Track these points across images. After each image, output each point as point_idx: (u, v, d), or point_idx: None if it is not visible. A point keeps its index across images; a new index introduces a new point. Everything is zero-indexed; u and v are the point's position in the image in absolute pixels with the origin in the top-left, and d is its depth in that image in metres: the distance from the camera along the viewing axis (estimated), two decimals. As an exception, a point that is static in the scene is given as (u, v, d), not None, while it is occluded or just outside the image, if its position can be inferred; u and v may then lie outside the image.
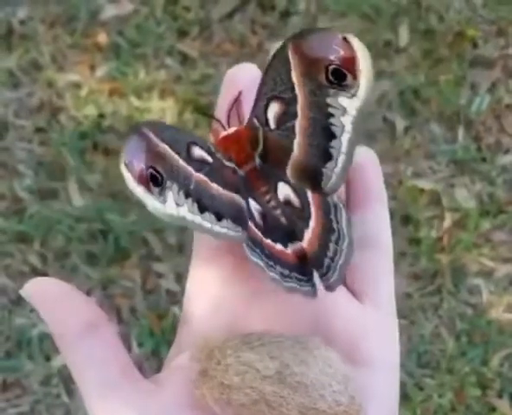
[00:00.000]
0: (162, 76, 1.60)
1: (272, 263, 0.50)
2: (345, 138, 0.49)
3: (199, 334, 0.51)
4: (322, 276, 0.50)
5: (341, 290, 0.53)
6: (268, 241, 0.51)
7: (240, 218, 0.50)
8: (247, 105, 0.53)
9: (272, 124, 0.51)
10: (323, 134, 0.50)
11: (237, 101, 0.53)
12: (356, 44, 0.48)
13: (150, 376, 0.52)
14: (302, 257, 0.51)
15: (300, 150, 0.51)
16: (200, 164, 0.50)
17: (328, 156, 0.50)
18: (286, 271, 0.50)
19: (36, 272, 1.45)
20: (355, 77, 0.48)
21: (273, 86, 0.50)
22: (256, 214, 0.52)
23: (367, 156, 0.53)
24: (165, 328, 1.42)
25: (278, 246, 0.51)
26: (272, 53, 0.50)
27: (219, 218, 0.49)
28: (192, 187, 0.49)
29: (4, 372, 1.40)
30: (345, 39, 0.48)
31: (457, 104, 1.60)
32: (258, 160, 0.53)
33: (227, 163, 0.52)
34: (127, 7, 1.65)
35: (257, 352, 0.47)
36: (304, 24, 1.64)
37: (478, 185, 1.56)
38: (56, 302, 0.50)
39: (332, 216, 0.50)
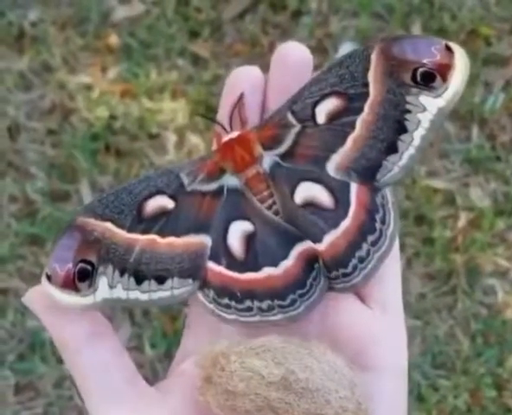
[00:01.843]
0: (173, 77, 1.60)
1: (246, 303, 0.50)
2: (418, 134, 0.52)
3: (204, 340, 0.50)
4: (343, 276, 0.50)
5: (349, 295, 0.52)
6: (247, 276, 0.51)
7: (192, 267, 0.51)
8: (249, 108, 0.53)
9: (322, 119, 0.53)
10: (394, 128, 0.52)
11: (239, 103, 0.53)
12: (458, 52, 0.51)
13: (159, 380, 0.52)
14: (309, 260, 0.51)
15: (357, 144, 0.52)
16: (152, 222, 0.52)
17: (393, 150, 0.52)
18: (266, 303, 0.50)
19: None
20: (445, 80, 0.51)
21: (338, 81, 0.53)
22: (237, 244, 0.52)
23: None
24: (178, 329, 1.42)
25: (263, 273, 0.51)
26: (341, 52, 0.53)
27: (161, 281, 0.51)
28: (132, 259, 0.50)
29: (17, 374, 1.40)
30: (447, 46, 0.51)
31: (471, 102, 1.59)
32: (271, 160, 0.53)
33: (209, 187, 0.53)
34: (138, 8, 1.65)
35: (261, 358, 0.47)
36: (315, 24, 1.63)
37: (493, 184, 1.55)
38: (58, 309, 0.49)
39: (378, 217, 0.52)
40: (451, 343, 1.45)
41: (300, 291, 0.50)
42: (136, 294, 0.50)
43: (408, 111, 0.52)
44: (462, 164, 1.56)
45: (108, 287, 0.50)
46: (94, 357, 0.49)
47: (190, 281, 0.51)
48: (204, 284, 0.51)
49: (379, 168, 0.52)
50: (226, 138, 0.53)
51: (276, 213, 0.52)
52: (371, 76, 0.52)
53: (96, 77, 1.60)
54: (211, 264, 0.52)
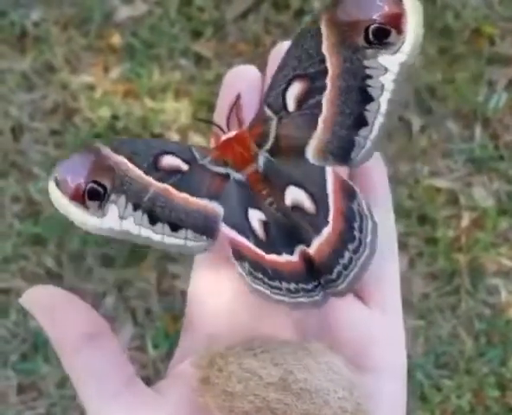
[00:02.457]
0: (176, 77, 1.60)
1: (276, 282, 0.49)
2: (384, 99, 0.49)
3: (202, 340, 0.50)
4: (329, 282, 0.49)
5: (348, 295, 0.52)
6: (271, 257, 0.50)
7: (206, 227, 0.50)
8: (247, 108, 0.53)
9: (292, 106, 0.51)
10: (358, 99, 0.49)
11: (236, 103, 0.53)
12: None
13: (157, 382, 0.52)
14: (308, 261, 0.50)
15: (327, 124, 0.50)
16: (167, 174, 0.50)
17: (362, 123, 0.50)
18: (293, 285, 0.49)
19: (51, 275, 1.45)
20: (399, 32, 0.48)
21: (297, 64, 0.50)
22: (258, 226, 0.51)
23: (372, 160, 0.52)
24: (180, 329, 1.41)
25: (284, 258, 0.50)
26: (297, 32, 0.50)
27: (175, 228, 0.49)
28: (146, 198, 0.49)
29: (20, 374, 1.40)
30: None
31: (474, 101, 1.59)
32: (264, 157, 0.52)
33: (218, 169, 0.52)
34: (141, 8, 1.65)
35: (260, 359, 0.47)
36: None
37: (496, 184, 1.54)
38: (55, 311, 0.49)
39: (356, 225, 0.50)
40: (454, 343, 1.44)
41: (315, 282, 0.49)
42: (148, 233, 0.49)
43: (369, 77, 0.49)
44: (465, 164, 1.56)
45: (118, 217, 0.49)
46: (92, 358, 0.49)
47: (204, 238, 0.50)
48: (240, 257, 0.50)
49: (352, 146, 0.50)
50: (224, 138, 0.53)
51: (276, 211, 0.52)
52: (325, 49, 0.49)
53: (99, 77, 1.60)
54: (241, 238, 0.50)
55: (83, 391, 0.48)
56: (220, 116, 0.54)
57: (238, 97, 0.52)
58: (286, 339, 0.49)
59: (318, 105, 0.50)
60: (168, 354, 1.40)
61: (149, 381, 0.51)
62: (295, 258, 0.50)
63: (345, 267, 0.49)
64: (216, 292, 0.52)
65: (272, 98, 0.51)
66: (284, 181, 0.51)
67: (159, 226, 0.49)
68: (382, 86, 0.49)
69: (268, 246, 0.50)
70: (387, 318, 0.52)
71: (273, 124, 0.51)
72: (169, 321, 1.43)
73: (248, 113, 0.53)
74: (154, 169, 0.50)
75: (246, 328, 0.50)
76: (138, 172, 0.50)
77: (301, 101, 0.50)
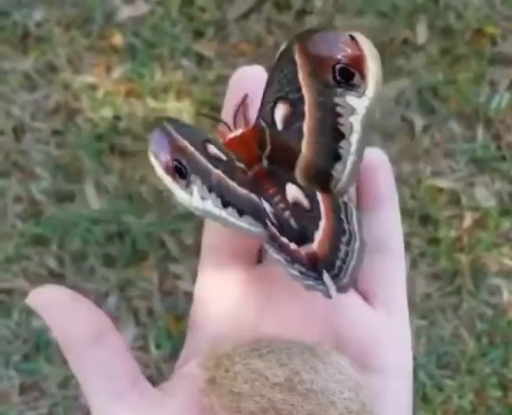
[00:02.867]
0: (178, 77, 1.60)
1: (290, 260, 0.49)
2: (354, 138, 0.48)
3: (208, 340, 0.50)
4: (333, 277, 0.49)
5: (353, 295, 0.52)
6: (284, 239, 0.50)
7: (258, 216, 0.50)
8: (254, 107, 0.53)
9: (280, 125, 0.50)
10: (332, 134, 0.49)
11: (243, 103, 0.53)
12: (363, 42, 0.47)
13: (164, 380, 0.52)
14: (313, 259, 0.50)
15: (308, 151, 0.50)
16: (216, 162, 0.49)
17: (337, 157, 0.49)
18: (304, 269, 0.49)
19: (53, 275, 1.45)
20: (363, 76, 0.47)
21: (280, 87, 0.50)
22: (270, 215, 0.51)
23: (378, 158, 0.52)
24: (183, 329, 1.41)
25: (293, 246, 0.50)
26: (277, 54, 0.49)
27: (240, 214, 0.49)
28: (214, 182, 0.48)
29: (22, 374, 1.40)
30: (352, 37, 0.47)
31: (477, 102, 1.59)
32: (265, 161, 0.52)
33: (238, 164, 0.52)
34: (143, 8, 1.65)
35: (266, 359, 0.47)
36: (320, 23, 1.63)
37: (498, 184, 1.54)
38: (61, 310, 0.49)
39: (343, 216, 0.50)
40: (456, 343, 1.44)
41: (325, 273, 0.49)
42: (224, 214, 0.48)
43: (340, 115, 0.48)
44: (467, 164, 1.56)
45: (200, 198, 0.47)
46: (98, 357, 0.49)
47: (261, 225, 0.49)
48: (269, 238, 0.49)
49: (331, 177, 0.50)
50: (230, 135, 0.53)
51: (283, 210, 0.51)
52: (300, 78, 0.49)
53: (100, 77, 1.60)
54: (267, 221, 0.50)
55: (90, 390, 0.48)
56: (226, 115, 0.54)
57: (245, 96, 0.52)
58: (292, 340, 0.48)
59: (300, 131, 0.50)
60: (171, 354, 1.40)
61: (152, 381, 0.51)
62: (302, 253, 0.50)
63: (343, 260, 0.49)
64: (220, 292, 0.52)
65: (264, 111, 0.51)
66: (283, 179, 0.51)
67: (230, 209, 0.48)
68: (352, 126, 0.48)
69: (280, 232, 0.50)
70: (392, 318, 0.52)
71: (267, 135, 0.51)
72: (171, 321, 1.43)
73: (254, 113, 0.53)
74: (207, 155, 0.49)
75: (252, 329, 0.50)
76: (199, 156, 0.49)
77: (287, 123, 0.50)
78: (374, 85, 0.47)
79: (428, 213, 1.52)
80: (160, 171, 0.46)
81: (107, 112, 1.56)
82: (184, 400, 0.49)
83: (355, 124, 0.48)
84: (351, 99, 0.48)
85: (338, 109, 0.48)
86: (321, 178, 0.50)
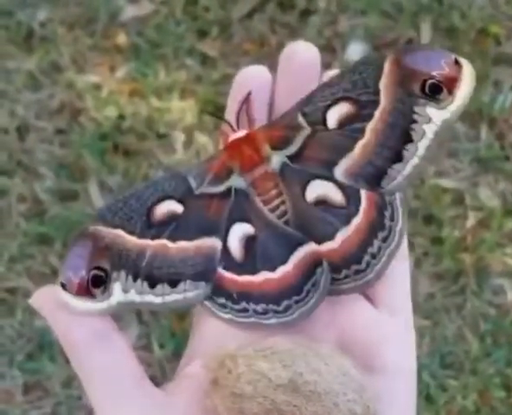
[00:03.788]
0: (182, 76, 1.60)
1: (242, 305, 0.51)
2: (423, 144, 0.53)
3: (211, 342, 0.50)
4: (358, 273, 0.51)
5: (357, 297, 0.52)
6: (244, 278, 0.52)
7: (205, 269, 0.51)
8: (257, 107, 0.53)
9: (333, 124, 0.54)
10: (400, 138, 0.53)
11: (247, 103, 0.53)
12: (466, 67, 0.53)
13: (167, 380, 0.52)
14: (311, 264, 0.51)
15: (365, 150, 0.53)
16: (162, 226, 0.52)
17: (398, 158, 0.53)
18: (262, 306, 0.50)
19: (57, 274, 1.45)
20: (450, 93, 0.52)
21: (351, 87, 0.53)
22: (236, 245, 0.52)
23: None
24: (186, 328, 1.41)
25: (261, 276, 0.51)
26: (358, 59, 0.55)
27: (174, 284, 0.51)
28: (144, 264, 0.51)
29: (26, 374, 1.40)
30: (456, 60, 0.52)
31: (480, 101, 1.58)
32: (281, 161, 0.53)
33: (216, 189, 0.53)
34: (147, 7, 1.65)
35: (269, 360, 0.47)
36: (323, 23, 1.62)
37: (502, 184, 1.54)
38: (65, 311, 0.49)
39: (387, 213, 0.52)
40: (459, 343, 1.44)
41: (296, 298, 0.51)
42: (150, 297, 0.51)
43: (415, 121, 0.53)
44: (471, 164, 1.56)
45: (122, 291, 0.50)
46: (101, 358, 0.49)
47: (203, 284, 0.51)
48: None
49: (384, 175, 0.53)
50: (233, 137, 0.53)
51: (283, 215, 0.53)
52: (383, 84, 0.53)
53: (104, 76, 1.60)
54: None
55: (93, 391, 0.48)
56: (230, 115, 0.54)
57: (249, 94, 0.53)
58: (296, 341, 0.48)
59: (361, 131, 0.53)
60: (174, 354, 1.40)
61: (155, 381, 0.51)
62: (289, 266, 0.52)
63: (373, 256, 0.51)
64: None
65: (311, 109, 0.54)
66: (306, 177, 0.53)
67: (159, 287, 0.51)
68: (424, 133, 0.53)
69: (242, 267, 0.52)
70: (396, 319, 0.52)
71: (304, 133, 0.54)
72: (174, 320, 1.43)
73: (258, 113, 0.54)
74: (148, 226, 0.52)
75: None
76: (134, 240, 0.51)
77: (344, 122, 0.54)
78: (460, 103, 0.53)
79: (432, 213, 1.51)
80: (71, 302, 0.49)
81: (111, 112, 1.56)
82: (187, 401, 0.49)
83: (427, 132, 0.52)
84: (430, 110, 0.52)
85: (414, 116, 0.53)
86: (371, 176, 0.53)
